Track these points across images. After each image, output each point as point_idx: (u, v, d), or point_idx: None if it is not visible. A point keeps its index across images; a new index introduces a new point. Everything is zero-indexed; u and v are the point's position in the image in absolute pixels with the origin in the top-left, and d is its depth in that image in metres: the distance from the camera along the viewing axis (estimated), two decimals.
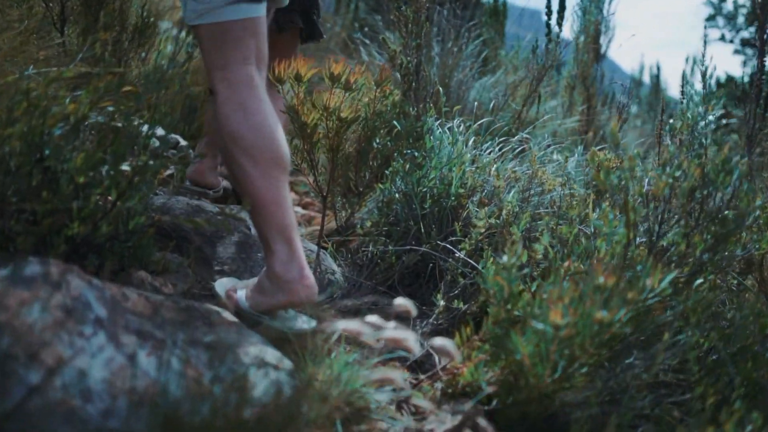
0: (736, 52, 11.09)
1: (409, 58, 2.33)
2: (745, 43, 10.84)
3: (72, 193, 1.39)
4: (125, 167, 1.50)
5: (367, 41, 3.12)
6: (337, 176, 2.08)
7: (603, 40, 3.67)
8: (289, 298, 1.62)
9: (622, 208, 1.48)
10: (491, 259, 1.78)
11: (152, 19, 2.53)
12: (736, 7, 10.99)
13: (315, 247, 2.08)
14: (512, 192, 1.97)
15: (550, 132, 2.96)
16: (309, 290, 1.62)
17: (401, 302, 1.45)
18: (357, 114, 2.00)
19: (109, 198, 1.48)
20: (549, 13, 2.84)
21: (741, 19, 10.97)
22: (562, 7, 3.00)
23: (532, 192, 2.01)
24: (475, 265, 1.84)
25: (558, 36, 2.81)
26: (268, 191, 1.60)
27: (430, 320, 1.81)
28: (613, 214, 1.58)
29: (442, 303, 1.78)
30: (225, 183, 3.00)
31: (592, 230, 1.68)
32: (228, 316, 1.46)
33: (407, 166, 2.12)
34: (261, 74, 1.68)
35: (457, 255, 1.86)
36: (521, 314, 1.42)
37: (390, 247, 2.07)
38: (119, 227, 1.53)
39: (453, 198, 2.06)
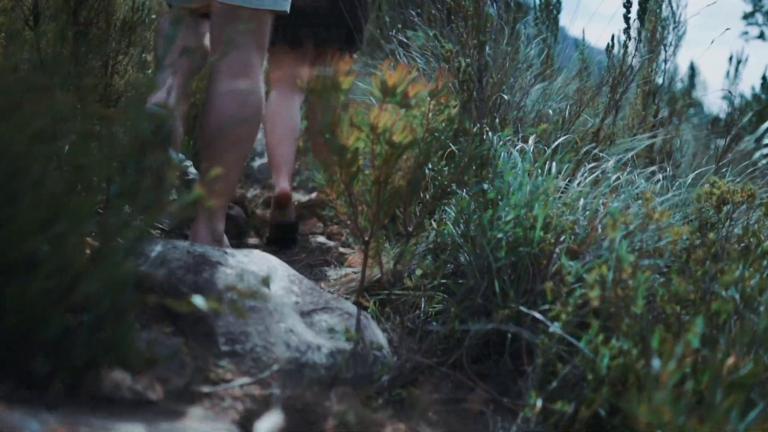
0: None
1: (468, 60, 1.83)
2: None
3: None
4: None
5: (406, 40, 2.62)
6: (383, 216, 1.59)
7: (671, 38, 3.16)
8: None
9: None
10: (601, 338, 1.29)
11: (146, 14, 2.05)
12: None
13: (353, 307, 1.59)
14: (618, 238, 1.46)
15: (623, 149, 2.45)
16: None
17: None
18: (413, 137, 1.51)
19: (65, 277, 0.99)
20: (628, 4, 2.33)
21: None
22: None
23: (645, 239, 1.51)
24: (576, 343, 1.34)
25: (640, 33, 2.32)
26: None
27: (518, 422, 1.31)
28: None
29: (538, 403, 1.28)
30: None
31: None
32: None
33: (473, 203, 1.63)
34: None
35: (550, 329, 1.37)
36: None
37: (451, 308, 1.57)
38: (80, 315, 1.05)
39: (535, 245, 1.56)
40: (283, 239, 2.53)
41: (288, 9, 2.07)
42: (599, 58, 2.75)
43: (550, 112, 2.35)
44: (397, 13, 3.22)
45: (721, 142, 4.74)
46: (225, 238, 2.11)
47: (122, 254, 1.06)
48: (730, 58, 7.19)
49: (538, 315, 1.41)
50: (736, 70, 7.25)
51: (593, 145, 2.12)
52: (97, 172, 1.04)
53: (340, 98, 1.51)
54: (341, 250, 2.34)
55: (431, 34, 1.91)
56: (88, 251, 1.08)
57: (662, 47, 2.74)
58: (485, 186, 1.62)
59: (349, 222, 1.62)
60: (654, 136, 2.68)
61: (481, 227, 1.56)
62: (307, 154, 3.20)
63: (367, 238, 1.60)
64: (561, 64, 2.97)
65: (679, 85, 3.51)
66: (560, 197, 1.66)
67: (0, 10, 2.12)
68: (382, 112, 1.49)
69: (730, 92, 4.20)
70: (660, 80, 2.97)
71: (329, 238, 2.61)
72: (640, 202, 1.81)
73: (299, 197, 3.26)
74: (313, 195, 3.21)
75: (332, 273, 2.08)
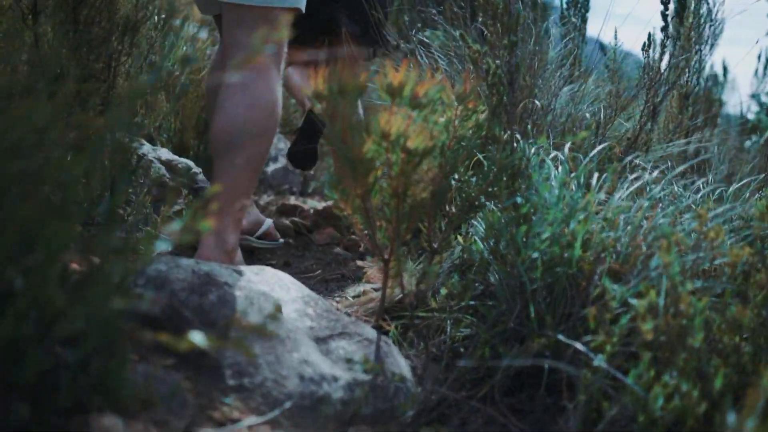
0: None
1: (498, 62, 1.69)
2: None
3: None
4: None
5: (427, 40, 2.48)
6: (404, 232, 1.45)
7: (707, 37, 2.99)
8: None
9: None
10: (652, 373, 1.14)
11: (151, 12, 1.91)
12: None
13: (373, 332, 1.46)
14: (672, 262, 1.31)
15: (658, 156, 2.29)
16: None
17: None
18: (432, 143, 1.37)
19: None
20: (666, 1, 2.17)
21: None
22: None
23: (697, 259, 1.35)
24: (624, 379, 1.19)
25: (678, 32, 2.16)
26: None
27: None
28: None
29: None
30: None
31: None
32: None
33: (504, 217, 1.48)
34: None
35: (594, 362, 1.22)
36: None
37: (481, 333, 1.43)
38: (65, 351, 0.91)
39: (574, 265, 1.41)
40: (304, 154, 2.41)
41: (303, 6, 1.93)
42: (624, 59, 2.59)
43: (588, 115, 2.20)
44: (416, 12, 3.07)
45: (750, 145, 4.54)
46: (238, 253, 1.97)
47: (112, 284, 0.93)
48: (759, 56, 6.97)
49: (580, 346, 1.26)
50: (765, 68, 7.04)
51: (633, 153, 1.97)
52: (83, 190, 0.91)
53: (351, 104, 1.37)
54: (359, 263, 2.19)
55: (457, 34, 1.76)
56: (73, 277, 0.95)
57: (699, 47, 2.58)
58: (518, 199, 1.47)
59: (367, 239, 1.48)
60: (689, 142, 2.52)
61: (514, 245, 1.42)
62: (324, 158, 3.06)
63: (386, 257, 1.46)
64: (587, 65, 2.81)
65: (711, 87, 3.34)
66: (600, 211, 1.51)
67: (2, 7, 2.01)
68: (393, 116, 1.35)
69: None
70: (695, 81, 2.80)
71: (346, 249, 2.47)
72: (687, 216, 1.66)
73: (314, 204, 3.12)
74: (330, 202, 3.07)
75: (350, 290, 1.94)
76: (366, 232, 1.45)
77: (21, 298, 0.81)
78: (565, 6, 3.07)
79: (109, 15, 1.87)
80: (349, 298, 1.87)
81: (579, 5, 3.06)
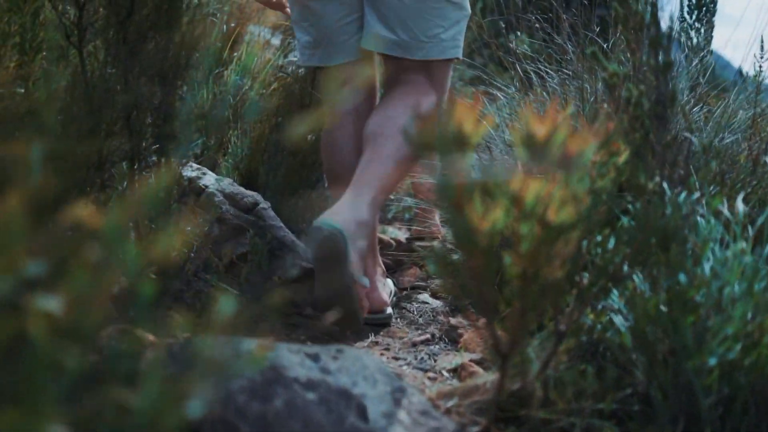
0: None
1: (642, 88, 1.33)
2: None
3: None
4: None
5: (543, 61, 2.11)
6: (530, 321, 1.10)
7: None
8: None
9: None
10: None
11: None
12: None
13: None
14: None
15: None
16: (372, 303, 1.83)
17: None
18: (578, 214, 1.02)
19: None
20: None
21: None
22: None
23: None
24: None
25: None
26: None
27: None
28: None
29: None
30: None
31: None
32: None
33: (657, 300, 1.12)
34: None
35: None
36: None
37: None
38: None
39: (764, 373, 1.04)
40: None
41: (460, 54, 2.01)
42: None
43: (725, 146, 1.80)
44: (513, 17, 2.70)
45: None
46: (388, 283, 2.03)
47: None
48: None
49: None
50: None
51: None
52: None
53: (466, 157, 1.03)
54: (452, 321, 1.85)
55: (588, 52, 1.40)
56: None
57: None
58: (681, 277, 1.11)
59: (481, 330, 1.13)
60: None
61: (683, 345, 1.05)
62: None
63: (505, 353, 1.12)
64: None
65: None
66: None
67: (41, 23, 1.76)
68: (530, 179, 1.01)
69: None
70: None
71: (434, 296, 2.12)
72: None
73: (396, 233, 2.76)
74: (413, 229, 2.73)
75: (443, 359, 1.60)
76: (481, 320, 1.11)
77: None
78: (686, 10, 2.65)
79: (168, 30, 1.59)
80: (445, 373, 1.53)
81: (704, 6, 2.64)
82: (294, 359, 1.17)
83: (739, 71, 2.61)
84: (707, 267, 1.18)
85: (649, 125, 1.32)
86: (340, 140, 2.03)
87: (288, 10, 2.31)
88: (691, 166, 1.38)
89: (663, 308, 1.11)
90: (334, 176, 2.06)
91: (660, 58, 1.31)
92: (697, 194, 1.25)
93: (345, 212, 1.68)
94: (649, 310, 1.12)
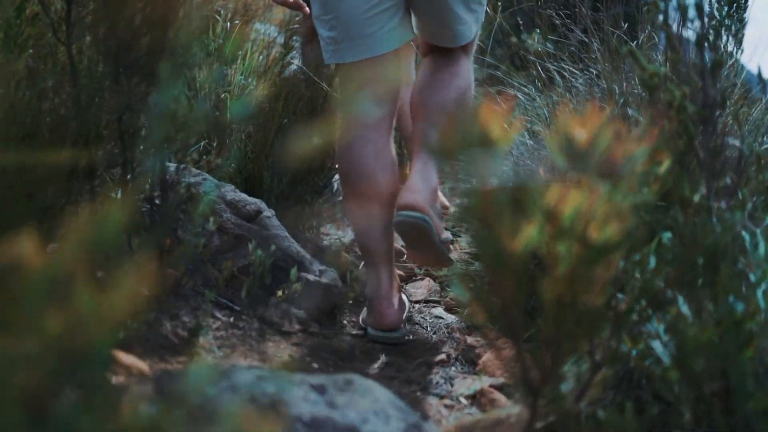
0: None
1: (685, 90, 1.20)
2: None
3: None
4: None
5: (566, 60, 1.97)
6: (566, 353, 0.97)
7: None
8: (372, 319, 1.82)
9: None
10: None
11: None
12: None
13: None
14: None
15: None
16: (386, 320, 1.78)
17: None
18: (623, 234, 0.89)
19: None
20: None
21: None
22: None
23: None
24: None
25: None
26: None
27: None
28: None
29: None
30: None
31: None
32: None
33: (708, 332, 0.99)
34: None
35: None
36: None
37: None
38: None
39: None
40: None
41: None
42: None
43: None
44: (534, 13, 2.56)
45: None
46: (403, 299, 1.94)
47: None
48: None
49: None
50: None
51: None
52: None
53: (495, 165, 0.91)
54: (468, 339, 1.71)
55: (626, 50, 1.27)
56: None
57: None
58: (738, 306, 0.97)
59: (506, 356, 1.00)
60: None
61: (741, 384, 0.92)
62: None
63: (536, 388, 0.99)
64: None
65: None
66: None
67: (28, 17, 1.65)
68: (569, 191, 0.88)
69: None
70: None
71: (449, 310, 1.98)
72: None
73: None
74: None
75: (460, 384, 1.47)
76: (507, 348, 0.98)
77: None
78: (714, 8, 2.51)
79: (162, 26, 1.46)
80: (462, 400, 1.40)
81: (734, 2, 2.49)
82: (297, 393, 1.04)
83: (759, 75, 2.47)
84: (759, 292, 1.05)
85: (693, 131, 1.19)
86: (365, 155, 1.84)
87: (306, 9, 2.14)
88: (739, 176, 1.24)
89: (713, 338, 0.98)
90: (356, 194, 1.86)
91: (706, 56, 1.18)
92: (749, 207, 1.12)
93: (420, 188, 1.74)
94: (699, 340, 0.98)
